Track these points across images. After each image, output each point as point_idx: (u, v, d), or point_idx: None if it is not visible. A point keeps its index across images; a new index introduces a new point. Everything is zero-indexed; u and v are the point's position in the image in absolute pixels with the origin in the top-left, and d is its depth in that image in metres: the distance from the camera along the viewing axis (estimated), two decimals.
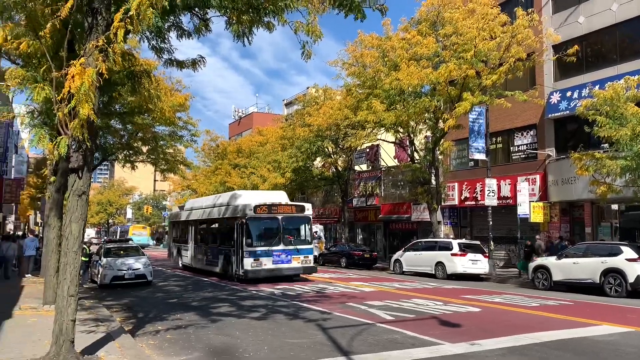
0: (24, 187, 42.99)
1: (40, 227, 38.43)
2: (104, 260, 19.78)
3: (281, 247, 19.76)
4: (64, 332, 7.14)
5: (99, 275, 19.57)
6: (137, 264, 19.83)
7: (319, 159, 36.30)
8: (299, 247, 20.18)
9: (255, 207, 19.64)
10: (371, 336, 9.92)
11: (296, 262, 20.02)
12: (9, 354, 7.82)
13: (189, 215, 26.86)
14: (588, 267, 16.78)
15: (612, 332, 10.36)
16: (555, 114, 24.13)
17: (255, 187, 38.35)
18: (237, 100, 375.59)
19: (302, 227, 21.02)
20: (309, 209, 20.97)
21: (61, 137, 7.24)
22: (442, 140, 24.28)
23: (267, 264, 19.44)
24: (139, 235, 49.66)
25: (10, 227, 46.86)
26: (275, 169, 36.55)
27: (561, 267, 17.65)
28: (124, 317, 12.47)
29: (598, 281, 16.41)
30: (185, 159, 27.40)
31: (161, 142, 23.63)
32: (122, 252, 20.89)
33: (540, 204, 23.84)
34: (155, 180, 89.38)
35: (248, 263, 19.22)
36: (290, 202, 21.34)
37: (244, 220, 19.52)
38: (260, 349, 8.93)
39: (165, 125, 22.87)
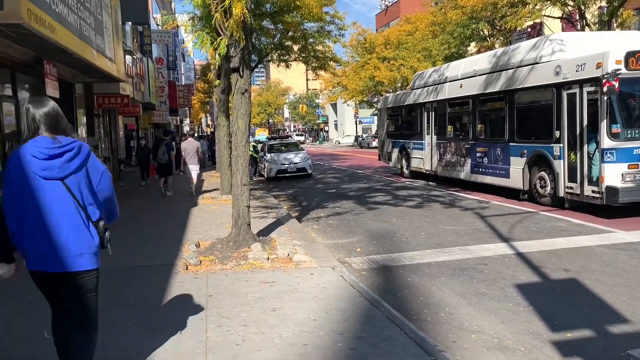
0: (194, 92, 47.21)
1: (212, 129, 42.36)
2: (268, 155, 21.61)
3: None
4: (241, 216, 8.01)
5: (265, 169, 21.40)
6: (296, 158, 21.28)
7: (473, 44, 33.88)
8: None
9: (628, 56, 9.72)
10: (533, 224, 9.63)
11: None
12: (198, 235, 9.07)
13: (422, 95, 17.94)
14: None
15: None
16: None
17: (405, 80, 37.55)
18: None
19: None
20: None
21: (220, 37, 7.71)
22: (621, 9, 21.04)
23: None
24: (262, 135, 60.73)
25: (186, 129, 52.38)
26: (425, 58, 35.14)
27: None
28: (290, 205, 13.60)
29: None
30: (335, 54, 27.51)
31: (310, 40, 23.96)
32: (283, 147, 22.59)
33: None
34: (307, 80, 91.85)
35: (614, 173, 9.80)
36: None
37: (601, 87, 9.62)
38: None
39: (313, 22, 22.98)
